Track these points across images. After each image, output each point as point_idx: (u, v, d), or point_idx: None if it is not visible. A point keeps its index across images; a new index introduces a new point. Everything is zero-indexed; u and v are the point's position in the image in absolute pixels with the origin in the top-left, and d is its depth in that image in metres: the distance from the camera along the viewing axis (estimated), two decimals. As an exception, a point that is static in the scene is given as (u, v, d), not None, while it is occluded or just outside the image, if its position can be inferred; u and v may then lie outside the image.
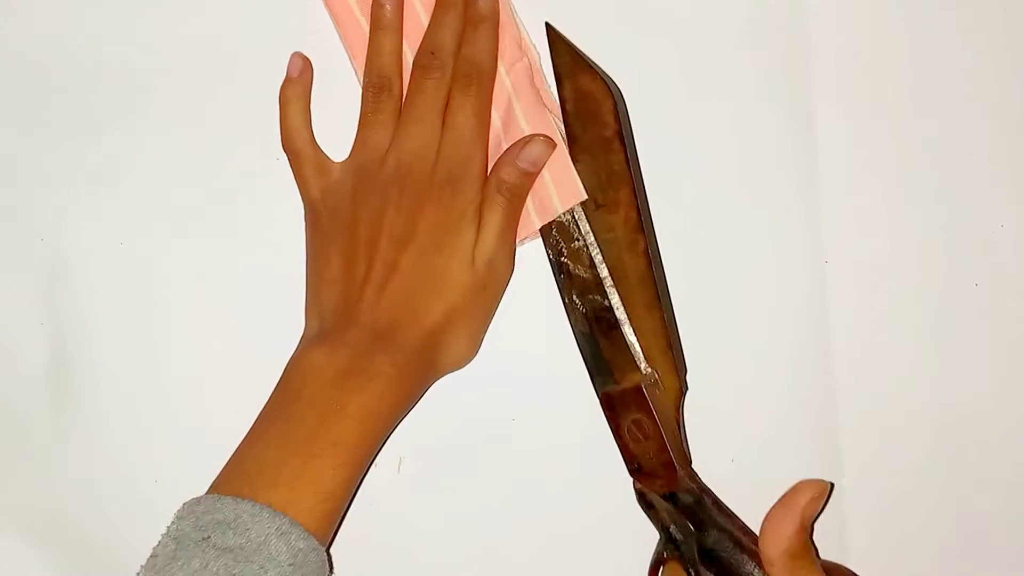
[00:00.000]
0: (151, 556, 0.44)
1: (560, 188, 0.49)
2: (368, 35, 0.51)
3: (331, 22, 0.52)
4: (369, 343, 0.47)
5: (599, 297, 0.49)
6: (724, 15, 0.52)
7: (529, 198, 0.50)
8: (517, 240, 0.50)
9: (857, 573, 0.46)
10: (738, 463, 0.51)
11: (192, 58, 0.53)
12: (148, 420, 0.53)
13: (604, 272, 0.49)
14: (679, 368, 0.49)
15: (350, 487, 0.46)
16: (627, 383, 0.49)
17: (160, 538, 0.44)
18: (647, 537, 0.49)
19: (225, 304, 0.53)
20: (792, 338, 0.52)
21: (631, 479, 0.49)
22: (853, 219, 0.52)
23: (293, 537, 0.43)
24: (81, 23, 0.53)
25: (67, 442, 0.53)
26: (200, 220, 0.53)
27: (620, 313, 0.49)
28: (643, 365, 0.48)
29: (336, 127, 0.51)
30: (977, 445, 0.52)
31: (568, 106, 0.50)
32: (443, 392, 0.52)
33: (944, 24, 0.52)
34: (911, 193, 0.52)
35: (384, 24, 0.50)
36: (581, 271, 0.49)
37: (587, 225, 0.49)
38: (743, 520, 0.48)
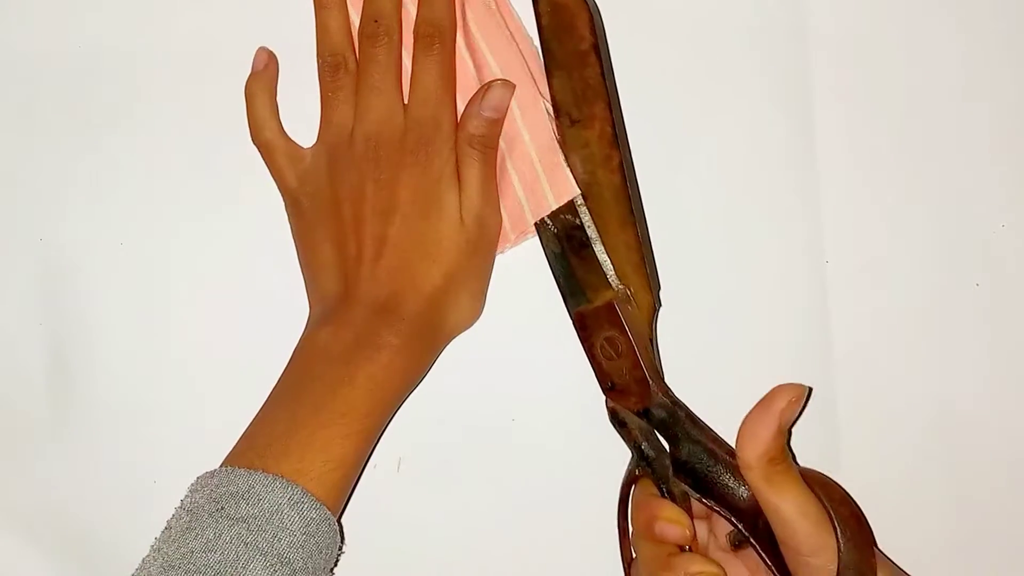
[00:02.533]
0: (165, 528, 0.44)
1: (553, 183, 0.49)
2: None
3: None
4: (372, 317, 0.47)
5: (570, 216, 0.49)
6: (724, 15, 0.52)
7: (522, 194, 0.50)
8: (513, 238, 0.50)
9: (837, 482, 0.45)
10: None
11: (192, 58, 0.53)
12: (148, 420, 0.53)
13: (581, 203, 0.49)
14: (652, 284, 0.49)
15: (360, 456, 0.47)
16: (599, 301, 0.48)
17: (174, 511, 0.44)
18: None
19: (225, 304, 0.53)
20: (792, 338, 0.52)
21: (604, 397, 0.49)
22: (853, 219, 0.52)
23: (305, 507, 0.43)
24: (81, 23, 0.53)
25: (67, 442, 0.53)
26: (200, 220, 0.53)
27: (591, 231, 0.48)
28: (615, 282, 0.48)
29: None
30: (976, 444, 0.52)
31: (543, 20, 0.49)
32: (443, 392, 0.52)
33: (944, 24, 0.52)
34: (911, 193, 0.52)
35: (327, 2, 0.51)
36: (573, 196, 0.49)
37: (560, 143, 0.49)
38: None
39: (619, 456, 0.49)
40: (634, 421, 0.48)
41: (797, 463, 0.45)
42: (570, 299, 0.49)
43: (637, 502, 0.48)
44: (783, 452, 0.44)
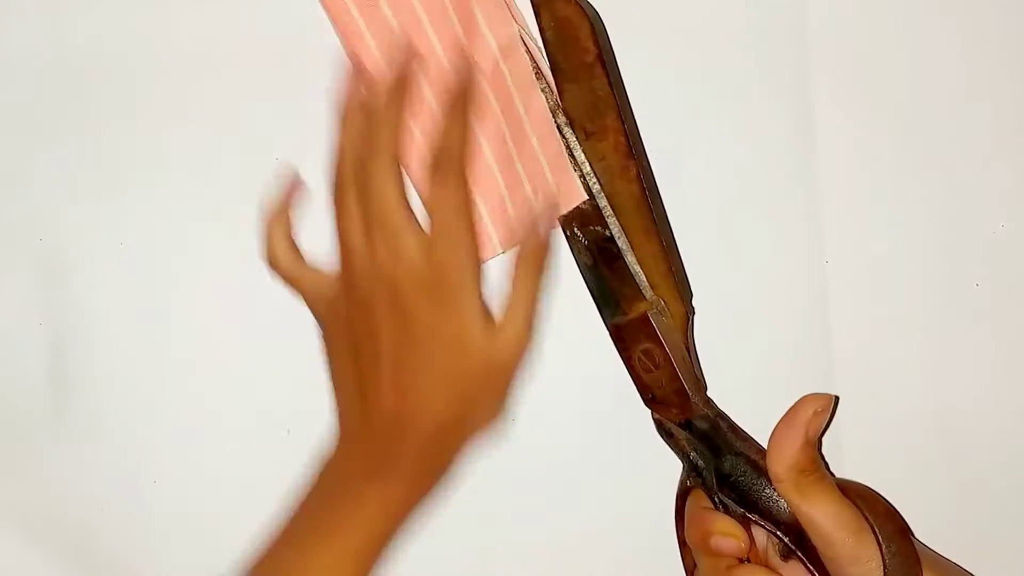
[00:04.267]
0: None
1: (562, 187, 0.49)
2: (361, 29, 0.49)
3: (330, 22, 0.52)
4: (389, 443, 0.47)
5: (599, 227, 0.49)
6: (724, 15, 0.52)
7: (531, 194, 0.49)
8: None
9: (880, 494, 0.45)
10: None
11: (192, 58, 0.53)
12: (148, 420, 0.53)
13: (603, 202, 0.48)
14: (683, 292, 0.49)
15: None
16: (634, 313, 0.48)
17: None
18: (647, 534, 0.49)
19: (225, 304, 0.53)
20: (792, 338, 0.52)
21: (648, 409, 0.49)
22: (853, 219, 0.52)
23: None
24: (81, 23, 0.53)
25: (67, 442, 0.53)
26: (200, 220, 0.53)
27: (622, 242, 0.48)
28: (648, 293, 0.48)
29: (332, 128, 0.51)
30: (977, 445, 0.52)
31: (547, 35, 0.49)
32: (443, 392, 0.52)
33: (944, 24, 0.52)
34: (911, 193, 0.52)
35: (347, 119, 0.48)
36: (581, 202, 0.49)
37: (582, 155, 0.49)
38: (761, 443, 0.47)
39: (620, 456, 0.49)
40: (680, 432, 0.48)
41: (832, 474, 0.45)
42: (605, 311, 0.49)
43: (691, 515, 0.47)
44: (813, 462, 0.43)
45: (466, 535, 0.53)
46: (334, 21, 0.51)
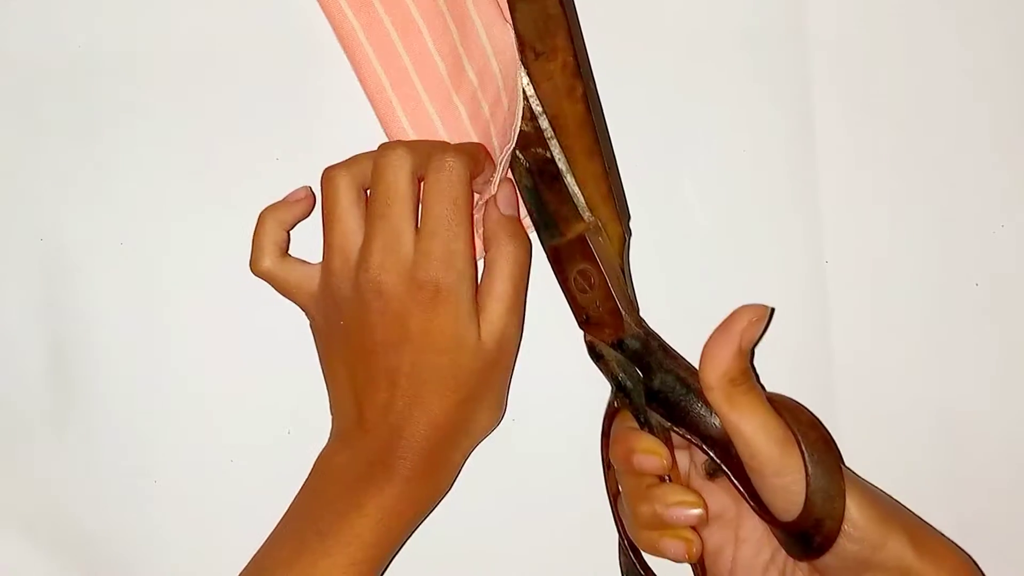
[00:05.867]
0: None
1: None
2: (361, 31, 0.49)
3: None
4: (386, 447, 0.46)
5: (540, 149, 0.49)
6: (724, 15, 0.52)
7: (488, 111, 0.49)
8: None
9: (805, 407, 0.45)
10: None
11: (192, 58, 0.53)
12: (148, 420, 0.53)
13: (545, 123, 0.48)
14: (622, 215, 0.49)
15: None
16: (571, 234, 0.48)
17: None
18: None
19: (225, 304, 0.53)
20: (792, 338, 0.52)
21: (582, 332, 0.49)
22: (853, 219, 0.52)
23: None
24: (81, 23, 0.53)
25: (67, 442, 0.53)
26: (200, 220, 0.53)
27: (561, 163, 0.48)
28: (586, 214, 0.48)
29: (332, 128, 0.51)
30: (977, 445, 0.52)
31: None
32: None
33: (944, 23, 0.52)
34: (911, 193, 0.52)
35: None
36: (523, 124, 0.49)
37: (527, 77, 0.49)
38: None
39: (619, 456, 0.49)
40: (610, 353, 0.48)
41: (763, 386, 0.45)
42: (543, 232, 0.49)
43: (616, 435, 0.47)
44: (744, 373, 0.43)
45: (466, 535, 0.53)
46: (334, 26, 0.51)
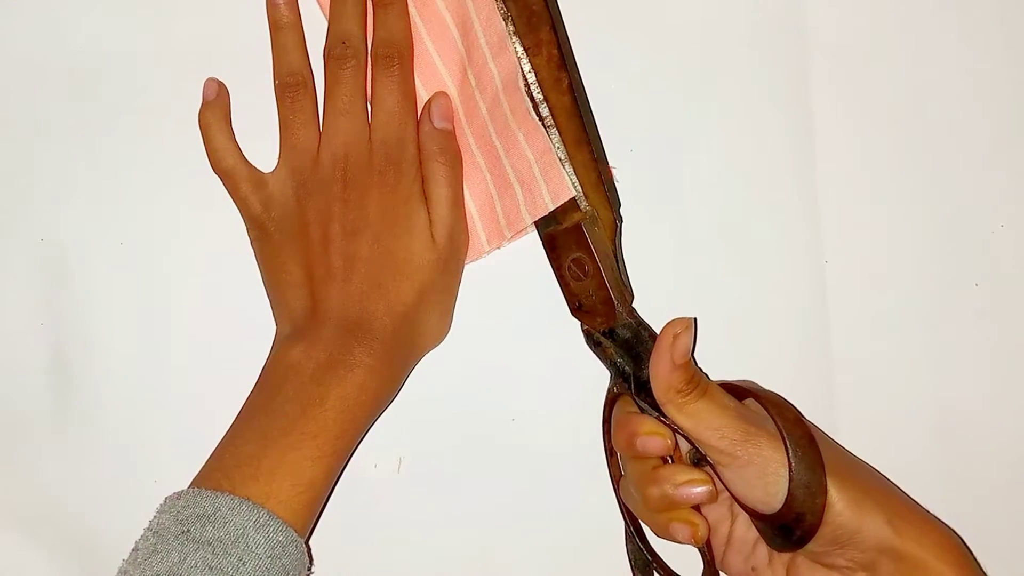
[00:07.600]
0: (133, 550, 0.44)
1: (551, 184, 0.49)
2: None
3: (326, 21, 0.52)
4: (345, 335, 0.47)
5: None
6: (724, 15, 0.52)
7: (520, 191, 0.50)
8: (509, 235, 0.50)
9: (791, 403, 0.45)
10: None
11: (192, 58, 0.53)
12: (148, 420, 0.53)
13: (545, 111, 0.49)
14: (612, 200, 0.50)
15: (330, 478, 0.47)
16: (568, 222, 0.49)
17: (142, 532, 0.45)
18: (646, 533, 0.49)
19: (225, 304, 0.53)
20: (792, 338, 0.52)
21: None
22: (853, 219, 0.52)
23: (271, 529, 0.43)
24: (81, 23, 0.53)
25: (67, 441, 0.53)
26: (200, 220, 0.53)
27: (560, 153, 0.49)
28: (583, 204, 0.49)
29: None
30: (977, 445, 0.52)
31: None
32: (443, 392, 0.52)
33: (944, 24, 0.52)
34: (911, 193, 0.52)
35: (282, 23, 0.51)
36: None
37: (527, 66, 0.49)
38: None
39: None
40: (606, 341, 0.49)
41: (718, 387, 0.45)
42: (541, 220, 0.50)
43: (617, 420, 0.48)
44: (690, 382, 0.44)
45: (466, 535, 0.53)
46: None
